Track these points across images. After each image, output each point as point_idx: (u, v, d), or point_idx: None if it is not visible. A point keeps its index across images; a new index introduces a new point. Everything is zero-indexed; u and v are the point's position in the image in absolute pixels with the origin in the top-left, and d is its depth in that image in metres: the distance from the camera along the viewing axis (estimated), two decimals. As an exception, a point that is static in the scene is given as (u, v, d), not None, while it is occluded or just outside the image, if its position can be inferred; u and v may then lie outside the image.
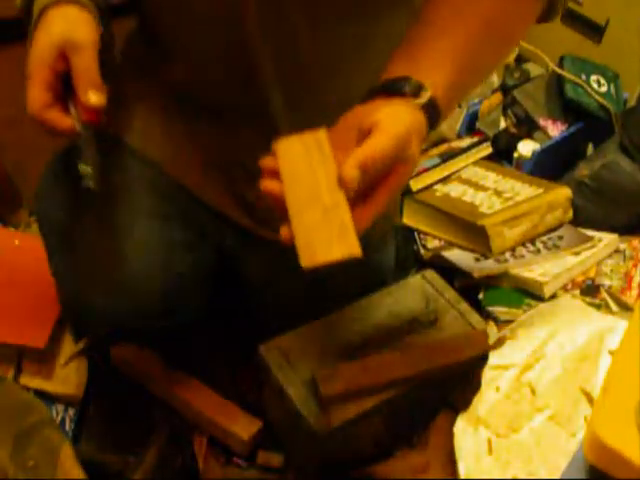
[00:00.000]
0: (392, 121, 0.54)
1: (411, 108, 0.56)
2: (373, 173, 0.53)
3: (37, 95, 0.61)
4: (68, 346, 1.01)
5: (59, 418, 0.95)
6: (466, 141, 1.37)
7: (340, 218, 0.54)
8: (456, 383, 0.85)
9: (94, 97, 0.62)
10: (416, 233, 1.21)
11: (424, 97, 0.56)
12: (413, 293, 0.93)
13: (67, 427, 0.94)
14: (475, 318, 0.89)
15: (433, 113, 0.57)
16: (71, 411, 0.96)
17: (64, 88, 0.64)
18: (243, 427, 0.92)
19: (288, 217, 0.55)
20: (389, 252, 1.02)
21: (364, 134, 0.54)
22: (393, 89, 0.57)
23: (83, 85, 0.62)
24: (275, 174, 0.56)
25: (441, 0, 0.61)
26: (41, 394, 0.95)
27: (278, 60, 0.70)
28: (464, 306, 0.91)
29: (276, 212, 0.55)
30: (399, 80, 0.57)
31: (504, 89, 1.43)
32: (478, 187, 1.25)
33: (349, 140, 0.55)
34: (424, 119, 0.56)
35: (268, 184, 0.56)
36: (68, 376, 0.98)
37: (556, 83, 1.39)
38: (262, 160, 0.57)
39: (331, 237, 0.53)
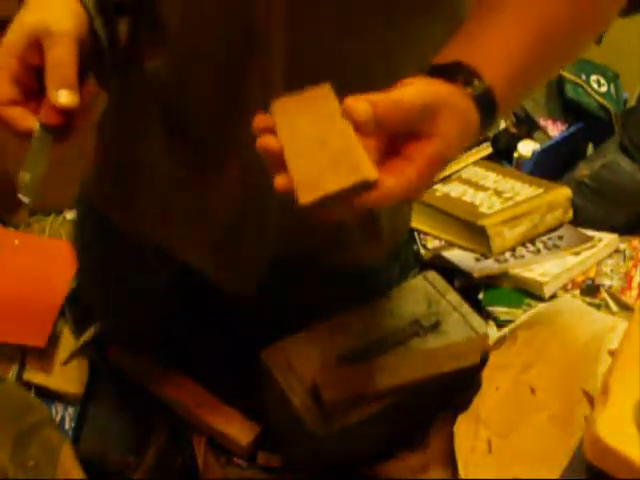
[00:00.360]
0: (427, 83, 0.47)
1: (460, 95, 0.47)
2: (389, 124, 0.45)
3: (1, 89, 0.54)
4: (68, 345, 1.01)
5: (59, 417, 0.95)
6: (466, 141, 1.37)
7: (350, 154, 0.44)
8: (458, 387, 0.85)
9: (64, 97, 0.53)
10: (416, 233, 1.21)
11: (478, 87, 0.48)
12: (415, 295, 0.92)
13: (67, 426, 0.94)
14: (477, 321, 0.89)
15: (488, 106, 0.49)
16: (71, 410, 0.96)
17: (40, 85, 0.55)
18: (242, 432, 0.91)
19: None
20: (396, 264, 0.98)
21: None
22: (442, 75, 0.48)
23: (53, 82, 0.53)
24: (271, 131, 0.48)
25: None
26: (42, 392, 0.95)
27: (289, 68, 0.61)
28: (466, 308, 0.91)
29: (274, 170, 0.47)
30: (450, 66, 0.49)
31: (504, 89, 1.44)
32: (478, 187, 1.25)
33: None
34: (475, 111, 0.48)
35: (263, 140, 0.47)
36: (69, 374, 0.98)
37: (556, 83, 1.39)
38: (256, 118, 0.49)
39: (337, 165, 0.44)
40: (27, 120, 0.54)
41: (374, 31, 0.60)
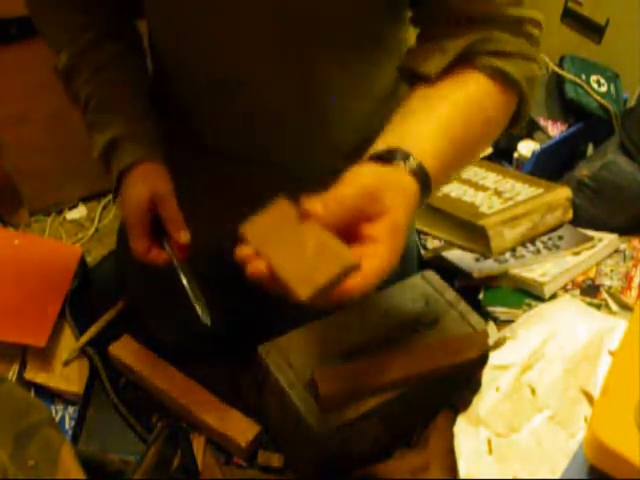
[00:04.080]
0: (364, 175, 0.58)
1: (398, 172, 0.59)
2: (339, 216, 0.55)
3: (140, 244, 0.77)
4: (68, 345, 1.01)
5: (59, 416, 0.95)
6: (466, 141, 1.37)
7: (327, 247, 0.52)
8: (456, 384, 0.85)
9: (184, 236, 0.77)
10: (416, 233, 1.21)
11: (413, 163, 0.60)
12: (413, 293, 0.93)
13: (67, 426, 0.94)
14: (475, 318, 0.89)
15: (423, 178, 0.61)
16: (71, 409, 0.96)
17: (153, 227, 0.79)
18: (241, 433, 0.91)
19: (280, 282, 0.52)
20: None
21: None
22: (382, 159, 0.60)
23: (174, 229, 0.77)
24: (252, 256, 0.55)
25: (424, 86, 0.68)
26: (42, 392, 0.95)
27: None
28: (464, 306, 0.91)
29: (271, 286, 0.54)
30: (388, 151, 0.61)
31: (504, 89, 1.43)
32: (478, 187, 1.25)
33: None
34: (414, 182, 0.60)
35: (251, 267, 0.54)
36: (69, 374, 0.98)
37: (556, 83, 1.39)
38: (236, 250, 0.56)
39: (322, 260, 0.51)
40: (162, 257, 0.78)
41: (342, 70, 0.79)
